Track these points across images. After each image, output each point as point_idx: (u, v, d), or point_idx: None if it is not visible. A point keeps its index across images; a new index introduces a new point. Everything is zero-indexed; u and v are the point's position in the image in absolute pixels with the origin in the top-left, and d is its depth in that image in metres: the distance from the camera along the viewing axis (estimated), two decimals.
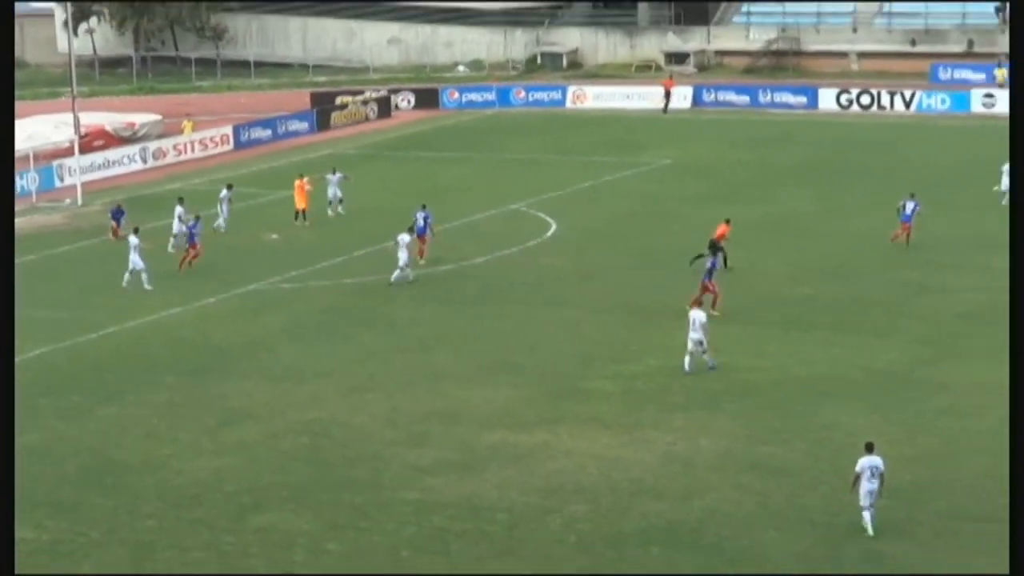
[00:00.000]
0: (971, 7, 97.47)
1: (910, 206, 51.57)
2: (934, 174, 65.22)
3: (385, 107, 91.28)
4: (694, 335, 38.14)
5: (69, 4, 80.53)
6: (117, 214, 56.90)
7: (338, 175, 60.90)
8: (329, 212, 60.03)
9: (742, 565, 26.73)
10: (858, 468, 27.64)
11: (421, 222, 50.79)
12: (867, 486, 27.46)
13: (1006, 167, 60.95)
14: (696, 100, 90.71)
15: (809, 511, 29.21)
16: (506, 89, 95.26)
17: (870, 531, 27.44)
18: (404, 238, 48.37)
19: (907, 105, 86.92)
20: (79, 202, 65.40)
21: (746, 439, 33.58)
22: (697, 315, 38.37)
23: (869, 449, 27.81)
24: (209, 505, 30.44)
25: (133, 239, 48.93)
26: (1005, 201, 58.23)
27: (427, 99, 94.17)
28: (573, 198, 63.60)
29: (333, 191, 60.31)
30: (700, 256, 45.12)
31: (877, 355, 39.81)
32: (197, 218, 52.78)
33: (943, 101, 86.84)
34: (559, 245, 54.88)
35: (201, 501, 30.65)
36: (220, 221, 57.02)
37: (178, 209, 54.73)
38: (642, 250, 53.53)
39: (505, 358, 40.49)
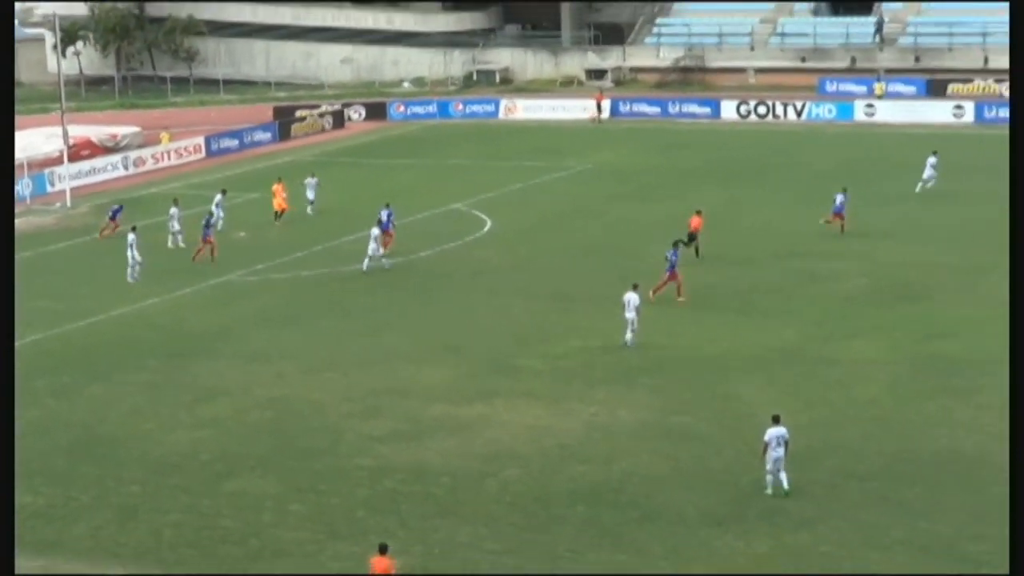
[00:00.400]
0: (853, 28, 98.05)
1: (839, 199, 52.30)
2: (822, 174, 65.58)
3: (339, 119, 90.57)
4: (628, 315, 38.42)
5: (58, 29, 79.82)
6: (116, 212, 56.59)
7: (315, 179, 60.69)
8: (309, 211, 59.66)
9: (657, 520, 26.88)
10: (766, 438, 27.85)
11: (385, 218, 50.81)
12: (773, 454, 27.70)
13: (931, 159, 62.99)
14: (614, 111, 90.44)
15: (715, 472, 29.47)
16: (446, 102, 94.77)
17: (769, 491, 27.68)
18: (374, 232, 48.65)
19: (798, 114, 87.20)
20: (68, 205, 64.82)
21: (660, 409, 33.83)
22: (632, 297, 38.44)
23: (775, 420, 28.02)
24: (187, 472, 30.38)
25: (131, 236, 48.61)
26: (919, 188, 59.89)
27: (376, 112, 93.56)
28: (506, 198, 63.39)
29: (312, 193, 60.01)
30: (680, 242, 45.16)
31: (775, 335, 40.03)
32: (210, 215, 53.21)
33: (829, 111, 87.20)
34: (494, 240, 54.74)
35: (180, 469, 30.59)
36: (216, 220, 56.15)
37: (173, 210, 54.26)
38: (567, 244, 53.53)
39: (447, 340, 40.41)
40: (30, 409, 34.15)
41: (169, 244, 53.53)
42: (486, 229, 56.51)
